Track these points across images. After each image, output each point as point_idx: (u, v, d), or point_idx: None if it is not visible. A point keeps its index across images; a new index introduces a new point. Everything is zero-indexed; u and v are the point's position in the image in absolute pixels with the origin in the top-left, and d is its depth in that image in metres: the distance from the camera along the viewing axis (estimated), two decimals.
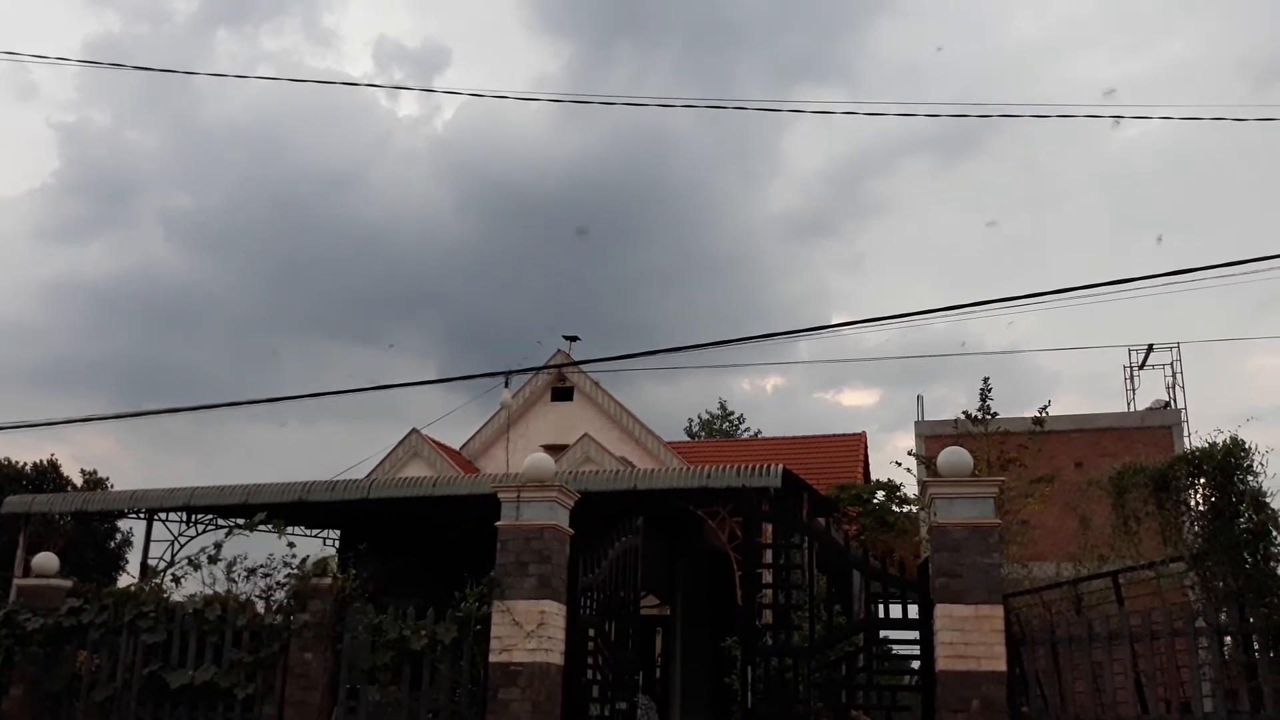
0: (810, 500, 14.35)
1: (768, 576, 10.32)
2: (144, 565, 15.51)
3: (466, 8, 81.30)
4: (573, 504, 9.76)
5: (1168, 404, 20.57)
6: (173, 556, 15.26)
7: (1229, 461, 9.29)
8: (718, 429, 47.86)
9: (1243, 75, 67.83)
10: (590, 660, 10.01)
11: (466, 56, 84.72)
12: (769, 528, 10.82)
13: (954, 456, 9.04)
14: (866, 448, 26.77)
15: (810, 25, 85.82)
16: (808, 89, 75.21)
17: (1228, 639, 8.95)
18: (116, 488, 26.71)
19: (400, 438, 25.28)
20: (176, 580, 10.83)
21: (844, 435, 27.40)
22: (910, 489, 18.07)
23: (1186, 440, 18.58)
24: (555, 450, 21.28)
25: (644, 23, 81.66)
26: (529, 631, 9.06)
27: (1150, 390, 25.85)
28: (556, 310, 67.70)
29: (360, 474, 22.54)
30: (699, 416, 49.23)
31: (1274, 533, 9.03)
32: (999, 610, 8.55)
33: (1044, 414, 15.56)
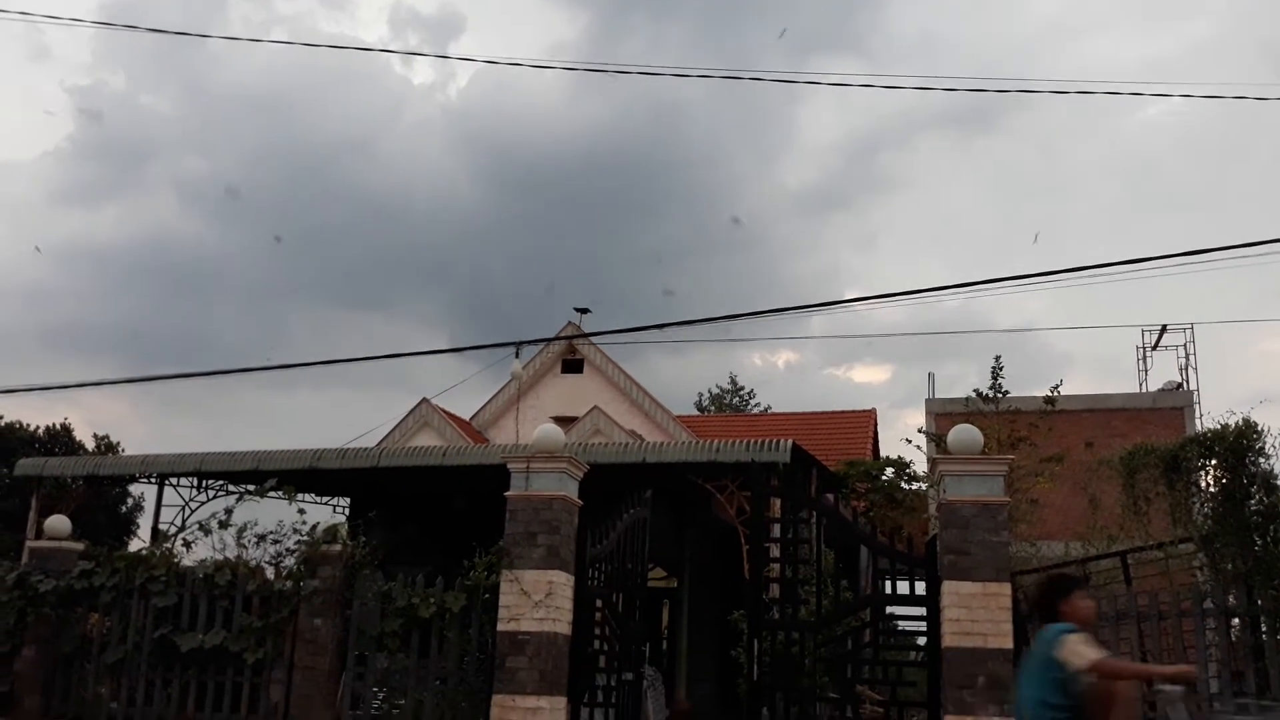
0: (819, 476, 14.33)
1: (775, 551, 10.33)
2: (155, 530, 15.58)
3: None
4: (582, 475, 9.77)
5: (1180, 385, 20.51)
6: (183, 521, 15.32)
7: (1240, 443, 9.24)
8: (728, 404, 47.83)
9: (1264, 57, 67.09)
10: (597, 631, 10.05)
11: (481, 23, 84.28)
12: (777, 502, 10.82)
13: (964, 434, 9.02)
14: (876, 424, 26.74)
15: None
16: (823, 62, 74.63)
17: (1235, 621, 8.95)
18: (128, 452, 26.91)
19: (411, 407, 25.41)
20: (187, 545, 10.90)
21: (854, 411, 27.34)
22: (920, 466, 18.06)
23: (1198, 422, 18.53)
24: (565, 422, 21.31)
25: None
26: (537, 601, 9.11)
27: (1163, 371, 25.88)
28: (568, 281, 67.64)
29: (371, 442, 22.63)
30: (709, 391, 49.25)
31: None
32: (1006, 588, 8.56)
33: (1055, 393, 15.51)
